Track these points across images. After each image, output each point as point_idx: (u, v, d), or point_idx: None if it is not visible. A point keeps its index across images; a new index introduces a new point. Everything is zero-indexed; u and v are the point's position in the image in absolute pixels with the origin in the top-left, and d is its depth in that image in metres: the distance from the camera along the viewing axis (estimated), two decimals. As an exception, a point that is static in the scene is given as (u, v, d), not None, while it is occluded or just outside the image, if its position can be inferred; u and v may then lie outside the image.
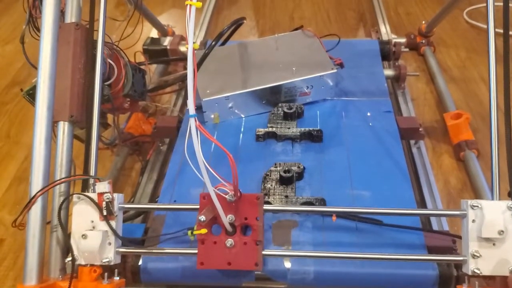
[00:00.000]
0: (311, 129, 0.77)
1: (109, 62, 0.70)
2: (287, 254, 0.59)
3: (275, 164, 0.71)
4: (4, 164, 0.91)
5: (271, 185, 0.68)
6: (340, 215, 0.61)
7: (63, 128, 0.62)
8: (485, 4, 1.25)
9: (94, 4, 0.64)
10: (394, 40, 1.06)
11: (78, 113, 0.62)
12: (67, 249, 0.59)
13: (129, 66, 0.75)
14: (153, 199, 0.80)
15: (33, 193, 0.57)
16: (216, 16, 1.34)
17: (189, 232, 0.55)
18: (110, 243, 0.56)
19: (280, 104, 0.81)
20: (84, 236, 0.55)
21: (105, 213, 0.56)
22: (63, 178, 0.60)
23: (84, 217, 0.57)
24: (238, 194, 0.55)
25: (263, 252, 0.56)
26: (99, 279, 0.56)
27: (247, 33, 1.27)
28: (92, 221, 0.56)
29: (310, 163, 0.72)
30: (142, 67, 0.83)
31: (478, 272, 0.53)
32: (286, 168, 0.69)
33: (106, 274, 0.56)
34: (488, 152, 0.76)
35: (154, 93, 0.94)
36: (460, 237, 0.63)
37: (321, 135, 0.76)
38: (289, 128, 0.78)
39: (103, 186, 0.57)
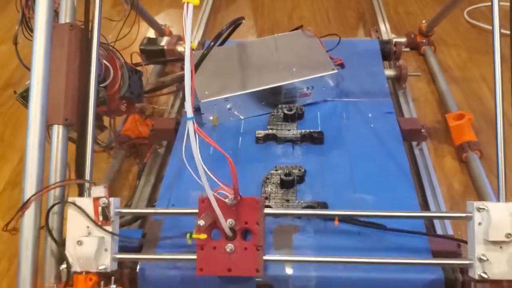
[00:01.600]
0: (311, 130, 0.75)
1: (104, 64, 0.69)
2: (289, 259, 0.57)
3: (276, 167, 0.69)
4: (-2, 168, 0.90)
5: (272, 189, 0.67)
6: (342, 219, 0.60)
7: (58, 131, 0.60)
8: (485, 4, 1.25)
9: (89, 4, 0.62)
10: (394, 40, 1.05)
11: (73, 116, 0.61)
12: (61, 257, 0.57)
13: (125, 67, 0.74)
14: (150, 203, 0.78)
15: (26, 198, 0.56)
16: (214, 16, 1.32)
17: (188, 235, 0.53)
18: (106, 250, 0.55)
19: (280, 106, 0.80)
20: (79, 243, 0.54)
21: (101, 218, 0.54)
22: (57, 183, 0.58)
23: (79, 222, 0.55)
24: (238, 198, 0.53)
25: (264, 258, 0.55)
26: (95, 287, 0.55)
27: (246, 33, 1.26)
28: (88, 227, 0.55)
29: (311, 166, 0.70)
30: (139, 68, 0.81)
31: (485, 276, 0.51)
32: (287, 171, 0.68)
33: (102, 282, 0.55)
34: (491, 153, 0.75)
35: (151, 94, 0.92)
36: (465, 241, 0.61)
37: (322, 137, 0.75)
38: (289, 130, 0.76)
39: (99, 191, 0.55)
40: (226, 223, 0.53)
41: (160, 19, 1.15)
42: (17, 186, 0.85)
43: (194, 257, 0.54)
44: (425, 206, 0.74)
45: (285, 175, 0.67)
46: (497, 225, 0.51)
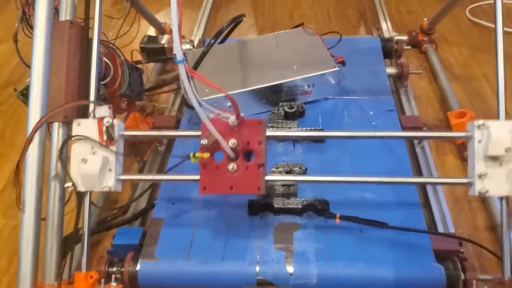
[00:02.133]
0: (312, 128, 0.75)
1: (105, 61, 0.69)
2: (288, 179, 0.59)
3: (277, 165, 0.69)
4: (-2, 166, 0.89)
5: (273, 186, 0.66)
6: (343, 217, 0.60)
7: (58, 129, 0.60)
8: (487, 2, 1.25)
9: (89, 1, 0.62)
10: (396, 38, 1.04)
11: (73, 114, 0.61)
12: (62, 253, 0.57)
13: (125, 65, 0.73)
14: (151, 200, 0.78)
15: (26, 197, 0.56)
16: (215, 14, 1.32)
17: (191, 154, 0.53)
18: (110, 170, 0.55)
19: (280, 103, 0.80)
20: (84, 160, 0.53)
21: (105, 137, 0.54)
22: (62, 105, 0.57)
23: (84, 143, 0.55)
24: (240, 119, 0.53)
25: (266, 178, 0.55)
26: (96, 285, 0.55)
27: (247, 31, 1.25)
28: (92, 147, 0.55)
29: (312, 164, 0.70)
30: (139, 65, 0.81)
31: (485, 191, 0.51)
32: (288, 169, 0.67)
33: (103, 280, 0.55)
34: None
35: (151, 92, 0.92)
36: (466, 239, 0.62)
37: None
38: (290, 128, 0.76)
39: (104, 111, 0.55)
40: (228, 143, 0.53)
41: (161, 17, 1.15)
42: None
43: (197, 177, 0.54)
44: (427, 203, 0.73)
45: (286, 173, 0.67)
46: (497, 140, 0.51)
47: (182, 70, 0.46)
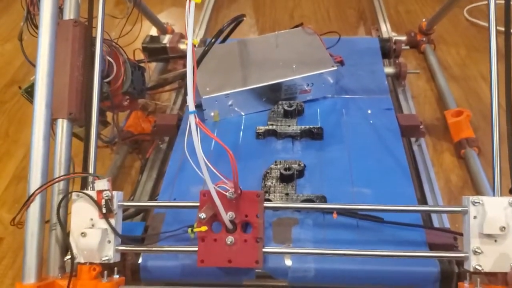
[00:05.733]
0: (311, 126, 0.76)
1: (108, 60, 0.70)
2: (288, 251, 0.58)
3: (276, 162, 0.70)
4: (3, 163, 0.91)
5: (272, 183, 0.68)
6: (341, 212, 0.61)
7: (62, 125, 0.61)
8: (485, 2, 1.26)
9: (92, 1, 0.64)
10: (394, 38, 1.05)
11: (77, 111, 0.62)
12: (66, 248, 0.58)
13: (128, 63, 0.75)
14: (153, 197, 0.79)
15: (31, 192, 0.57)
16: (216, 14, 1.33)
17: (189, 229, 0.55)
18: (109, 241, 0.56)
19: (280, 102, 0.81)
20: (83, 234, 0.55)
21: (104, 211, 0.56)
22: (61, 176, 0.60)
23: (83, 215, 0.56)
24: (239, 191, 0.54)
25: (264, 250, 0.56)
26: (99, 277, 0.56)
27: (247, 31, 1.27)
28: (92, 219, 0.56)
29: (311, 161, 0.71)
30: (142, 65, 0.83)
31: (480, 268, 0.52)
32: (287, 166, 0.69)
33: (105, 272, 0.56)
34: (489, 149, 0.76)
35: (153, 91, 0.94)
36: (461, 234, 0.62)
37: (322, 132, 0.76)
38: (289, 125, 0.78)
39: (102, 184, 0.56)
40: (227, 216, 0.54)
41: (162, 17, 1.16)
42: (22, 180, 0.86)
43: (195, 249, 0.56)
44: (423, 201, 0.75)
45: (285, 169, 0.68)
46: (491, 219, 0.52)
47: (192, 122, 0.48)
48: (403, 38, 1.11)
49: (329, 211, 0.62)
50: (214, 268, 0.58)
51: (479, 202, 0.54)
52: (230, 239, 0.55)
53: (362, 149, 0.74)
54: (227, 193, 0.54)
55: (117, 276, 0.57)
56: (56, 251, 0.59)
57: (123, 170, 0.87)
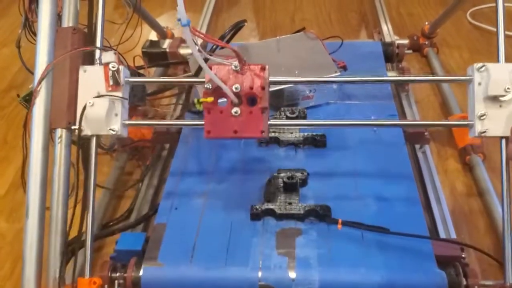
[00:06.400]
0: (314, 134, 0.75)
1: (107, 67, 0.69)
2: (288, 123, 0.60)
3: (278, 170, 0.69)
4: (1, 169, 0.90)
5: (275, 192, 0.67)
6: (345, 223, 0.60)
7: (61, 135, 0.60)
8: (488, 5, 1.25)
9: (92, 7, 0.62)
10: (397, 42, 1.05)
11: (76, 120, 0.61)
12: (66, 258, 0.57)
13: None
14: (153, 205, 0.78)
15: (30, 202, 0.56)
16: (216, 18, 1.32)
17: (196, 100, 0.54)
18: (116, 114, 0.55)
19: (282, 108, 0.80)
20: (90, 103, 0.54)
21: (111, 83, 0.54)
22: (70, 51, 0.57)
23: (90, 87, 0.55)
24: (243, 63, 0.54)
25: (269, 122, 0.56)
26: (99, 290, 0.55)
27: (248, 35, 1.26)
28: (98, 92, 0.55)
29: (314, 169, 0.70)
30: (141, 70, 0.81)
31: (485, 132, 0.52)
32: (290, 175, 0.68)
33: (106, 286, 0.55)
34: (494, 156, 0.75)
35: (153, 97, 0.92)
36: (467, 245, 0.62)
37: (325, 140, 0.75)
38: (291, 133, 0.76)
39: (109, 56, 0.56)
40: (231, 88, 0.54)
41: (162, 21, 1.15)
42: (21, 188, 0.84)
43: (202, 122, 0.55)
44: (428, 209, 0.74)
45: (288, 178, 0.67)
46: (496, 81, 0.52)
47: (187, 33, 0.47)
48: (406, 41, 1.10)
49: (334, 222, 0.61)
50: (216, 280, 0.57)
51: (483, 68, 0.53)
52: (235, 109, 0.54)
53: (366, 156, 0.73)
54: (232, 65, 0.53)
55: (118, 289, 0.56)
56: (56, 262, 0.58)
57: (123, 178, 0.86)
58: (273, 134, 0.76)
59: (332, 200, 0.65)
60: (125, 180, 0.86)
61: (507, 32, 0.58)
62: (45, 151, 0.58)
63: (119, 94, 0.55)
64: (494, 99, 0.52)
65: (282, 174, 0.68)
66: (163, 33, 1.12)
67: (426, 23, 1.12)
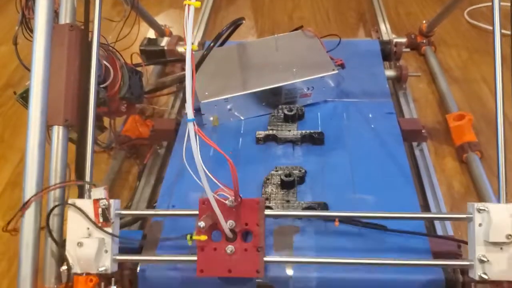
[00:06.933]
0: (312, 131, 0.75)
1: (104, 64, 0.69)
2: (289, 261, 0.57)
3: (276, 168, 0.69)
4: (-2, 168, 0.90)
5: (272, 190, 0.67)
6: (343, 220, 0.60)
7: (58, 132, 0.60)
8: (486, 4, 1.25)
9: (89, 4, 0.62)
10: (395, 40, 1.05)
11: (73, 117, 0.61)
12: (61, 258, 0.57)
13: (125, 68, 0.74)
14: (151, 203, 0.78)
15: (26, 199, 0.56)
16: (214, 16, 1.32)
17: (188, 238, 0.53)
18: (106, 251, 0.55)
19: (280, 106, 0.80)
20: (79, 244, 0.54)
21: (101, 220, 0.54)
22: (57, 184, 0.58)
23: (79, 224, 0.55)
24: (239, 199, 0.53)
25: (265, 259, 0.55)
26: (96, 288, 0.55)
27: (246, 33, 1.25)
28: (88, 228, 0.55)
29: (312, 167, 0.70)
30: (139, 68, 0.81)
31: (486, 277, 0.51)
32: (287, 172, 0.68)
33: (102, 283, 0.55)
34: (491, 154, 0.75)
35: (151, 95, 0.92)
36: (465, 242, 0.61)
37: (323, 137, 0.75)
38: (289, 130, 0.76)
39: (99, 193, 0.55)
40: (227, 225, 0.53)
41: (160, 19, 1.15)
42: (17, 186, 0.85)
43: (195, 258, 0.54)
44: (426, 207, 0.74)
45: (286, 175, 0.67)
46: (497, 226, 0.51)
47: (191, 129, 0.47)
48: (404, 40, 1.10)
49: (331, 219, 0.61)
50: (214, 278, 0.56)
51: (484, 209, 0.53)
52: (230, 248, 0.54)
53: (363, 154, 0.73)
54: (226, 201, 0.52)
55: (115, 287, 0.55)
56: (52, 260, 0.57)
57: (120, 176, 0.86)
58: (271, 132, 0.76)
59: (330, 197, 0.65)
60: (123, 178, 0.86)
61: (503, 31, 0.58)
62: (42, 149, 0.58)
63: (109, 230, 0.54)
64: (495, 242, 0.51)
65: (279, 172, 0.68)
66: (161, 31, 1.12)
67: (424, 21, 1.12)
